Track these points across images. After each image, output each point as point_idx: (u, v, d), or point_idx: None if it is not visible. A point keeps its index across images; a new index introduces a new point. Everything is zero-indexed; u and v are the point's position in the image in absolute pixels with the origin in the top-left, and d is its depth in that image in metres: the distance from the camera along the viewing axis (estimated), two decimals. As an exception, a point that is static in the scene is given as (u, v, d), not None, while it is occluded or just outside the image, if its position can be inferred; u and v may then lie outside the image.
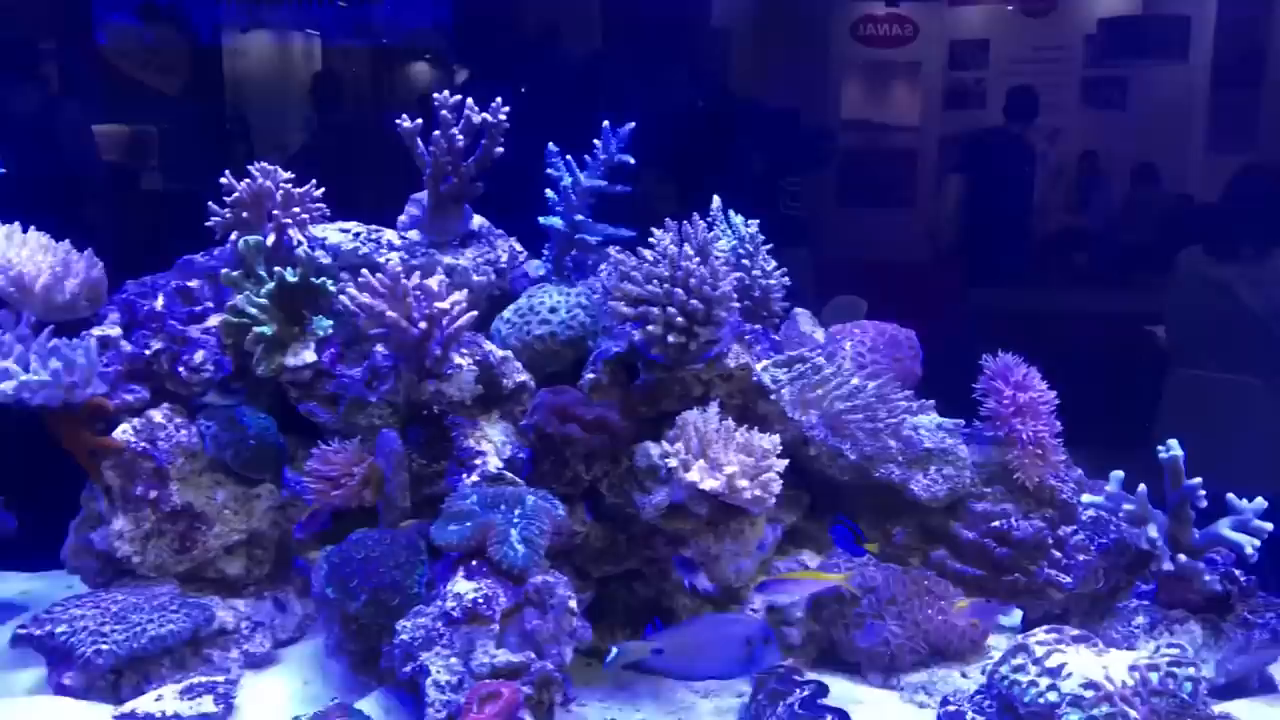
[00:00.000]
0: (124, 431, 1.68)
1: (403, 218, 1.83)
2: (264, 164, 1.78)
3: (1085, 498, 1.87)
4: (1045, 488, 1.91)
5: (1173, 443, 1.83)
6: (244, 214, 1.76)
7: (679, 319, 1.58)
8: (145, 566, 1.70)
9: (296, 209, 1.75)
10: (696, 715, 1.73)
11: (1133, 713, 1.49)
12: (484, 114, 1.72)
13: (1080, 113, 2.58)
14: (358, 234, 1.77)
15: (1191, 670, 1.52)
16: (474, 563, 1.51)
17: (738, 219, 1.89)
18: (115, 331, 1.72)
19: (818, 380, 1.67)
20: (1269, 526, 1.80)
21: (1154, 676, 1.51)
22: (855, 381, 1.69)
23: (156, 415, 1.72)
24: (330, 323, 1.67)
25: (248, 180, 1.76)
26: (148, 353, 1.71)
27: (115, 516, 1.69)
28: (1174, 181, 2.66)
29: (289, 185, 1.77)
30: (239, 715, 1.61)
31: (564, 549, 1.75)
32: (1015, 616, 1.99)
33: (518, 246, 1.92)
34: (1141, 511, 1.81)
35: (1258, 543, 1.79)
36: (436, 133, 1.70)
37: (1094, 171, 2.68)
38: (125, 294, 1.77)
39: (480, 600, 1.47)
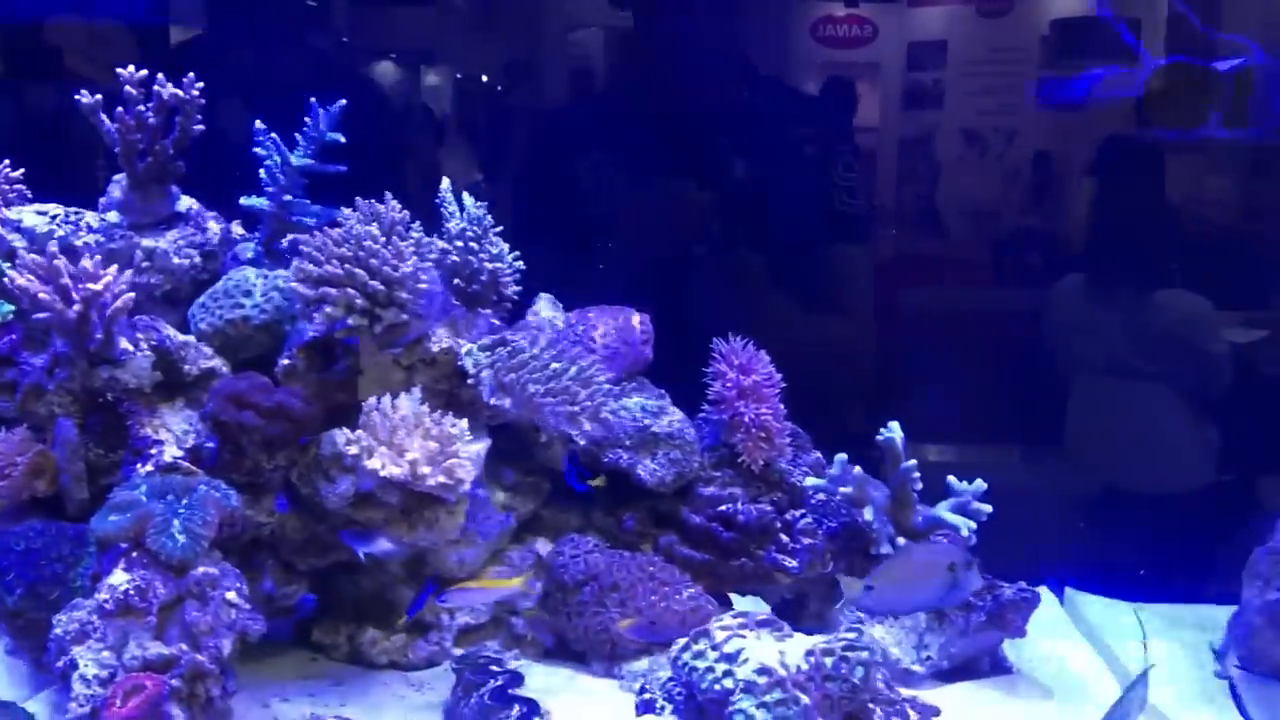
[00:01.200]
0: None
1: (104, 199, 1.76)
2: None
3: (808, 481, 1.86)
4: (775, 471, 1.90)
5: (893, 425, 1.83)
6: (-70, 195, 1.69)
7: (359, 300, 1.54)
8: None
9: (-14, 190, 1.69)
10: (405, 707, 1.70)
11: (804, 698, 1.47)
12: (176, 90, 1.66)
13: (1036, 114, 2.56)
14: (55, 216, 1.70)
15: (865, 654, 1.50)
16: (135, 554, 1.46)
17: (468, 200, 1.85)
18: None
19: (514, 363, 1.64)
20: (988, 509, 1.81)
21: (828, 661, 1.49)
22: (556, 366, 1.65)
23: None
24: (10, 308, 1.60)
25: (-68, 160, 1.69)
26: None
27: None
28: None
29: (-22, 165, 1.70)
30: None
31: (269, 542, 1.72)
32: (757, 604, 1.98)
33: (238, 230, 1.86)
34: (858, 494, 1.80)
35: (974, 525, 1.79)
36: (120, 109, 1.64)
37: (1048, 173, 2.66)
38: None
39: (133, 592, 1.42)
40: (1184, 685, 1.80)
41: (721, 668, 1.51)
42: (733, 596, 1.96)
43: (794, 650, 1.52)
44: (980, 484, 1.81)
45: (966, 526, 1.77)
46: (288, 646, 1.86)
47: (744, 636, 1.55)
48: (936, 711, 1.62)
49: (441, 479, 1.55)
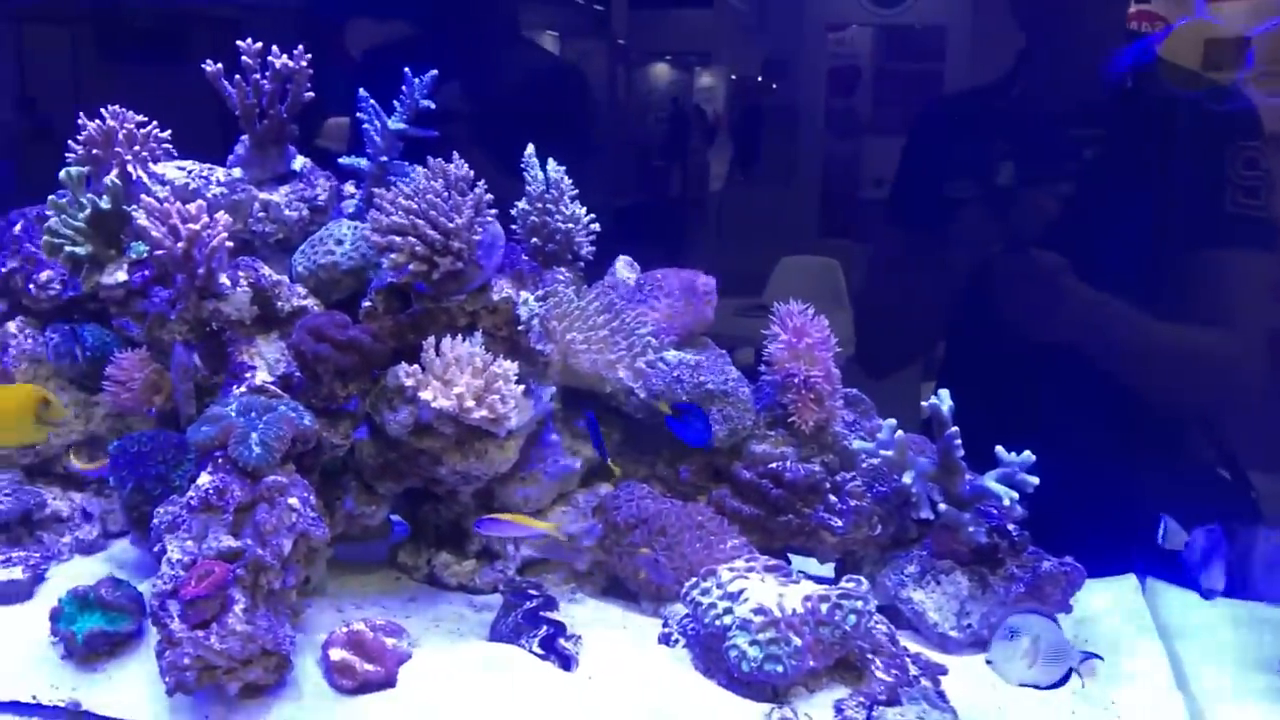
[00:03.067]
0: (-24, 338, 1.95)
1: (231, 157, 2.01)
2: (116, 107, 2.00)
3: (855, 444, 1.89)
4: (828, 434, 1.94)
5: (943, 393, 1.83)
6: (94, 151, 1.98)
7: (419, 248, 1.71)
8: (-6, 456, 1.96)
9: (137, 147, 1.96)
10: (460, 623, 1.86)
11: (796, 639, 1.54)
12: (288, 60, 1.88)
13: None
14: (191, 171, 1.96)
15: (859, 604, 1.55)
16: (220, 460, 1.68)
17: (551, 164, 1.99)
18: (-20, 252, 1.99)
19: (559, 312, 1.76)
20: (1035, 480, 1.79)
21: (823, 608, 1.55)
22: (601, 317, 1.77)
23: (11, 326, 1.98)
24: (146, 247, 1.86)
25: (97, 121, 1.98)
26: (3, 270, 1.97)
27: (-30, 411, 1.95)
28: None
29: (132, 126, 1.98)
30: (46, 586, 1.84)
31: (353, 465, 1.91)
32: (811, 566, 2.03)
33: (350, 189, 2.07)
34: (899, 457, 1.82)
35: (1016, 495, 1.78)
36: (238, 77, 1.87)
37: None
38: (-2, 221, 2.04)
39: (213, 491, 1.64)
40: (1240, 677, 1.72)
41: (723, 605, 1.59)
42: (791, 558, 2.02)
43: (793, 595, 1.58)
44: (1028, 455, 1.79)
45: (1009, 496, 1.76)
46: (381, 567, 2.06)
47: (748, 578, 1.63)
48: (943, 670, 1.64)
49: (484, 413, 1.69)
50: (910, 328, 2.55)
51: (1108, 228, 2.24)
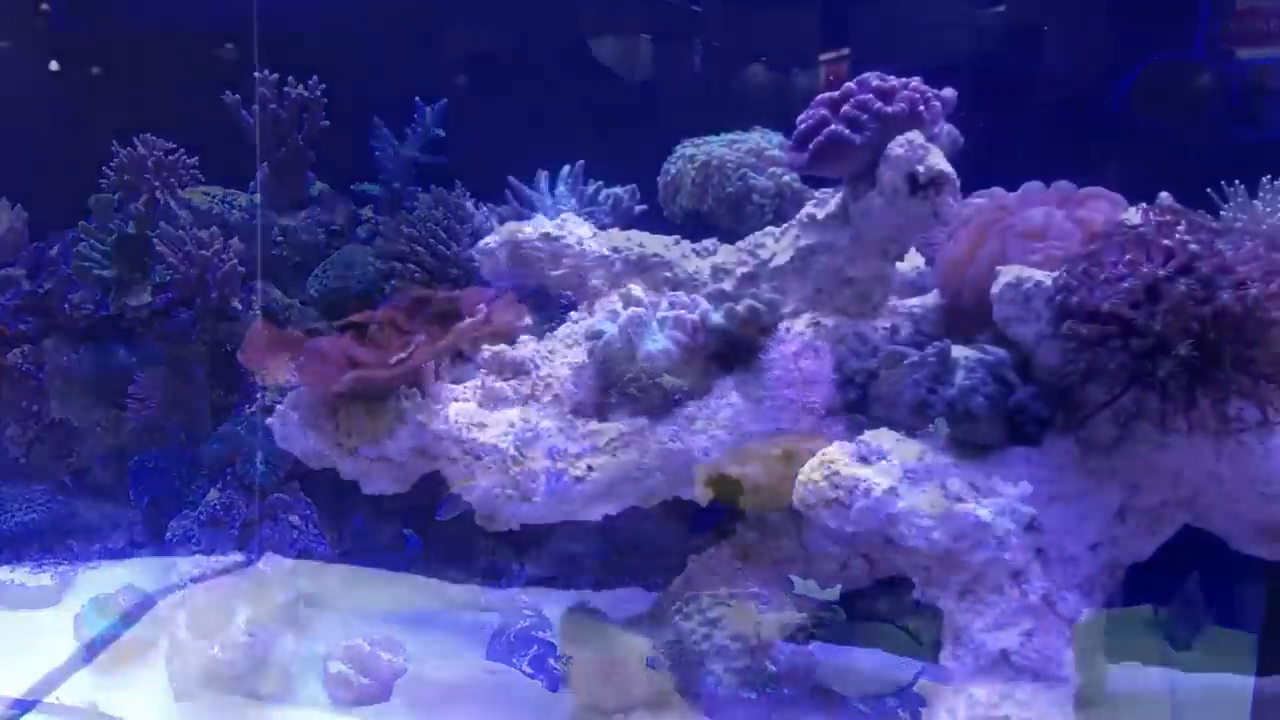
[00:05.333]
0: (14, 354, 2.05)
1: (252, 182, 2.09)
2: (147, 135, 2.09)
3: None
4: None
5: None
6: (126, 177, 2.07)
7: (418, 274, 1.76)
8: (31, 467, 2.06)
9: (165, 174, 2.05)
10: (462, 639, 1.90)
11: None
12: (303, 90, 1.95)
13: None
14: (215, 196, 2.05)
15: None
16: (229, 477, 1.76)
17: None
18: (20, 273, 2.10)
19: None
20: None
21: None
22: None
23: (47, 343, 2.08)
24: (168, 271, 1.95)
25: (129, 149, 2.07)
26: (41, 291, 2.07)
27: (9, 424, 2.06)
28: None
29: (161, 154, 2.07)
30: (72, 591, 1.93)
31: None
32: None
33: (368, 214, 2.14)
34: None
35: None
36: (255, 107, 1.95)
37: None
38: (37, 244, 2.14)
39: (219, 507, 1.72)
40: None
41: (702, 631, 1.61)
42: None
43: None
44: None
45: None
46: (392, 582, 2.11)
47: (729, 605, 1.64)
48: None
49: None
50: None
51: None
